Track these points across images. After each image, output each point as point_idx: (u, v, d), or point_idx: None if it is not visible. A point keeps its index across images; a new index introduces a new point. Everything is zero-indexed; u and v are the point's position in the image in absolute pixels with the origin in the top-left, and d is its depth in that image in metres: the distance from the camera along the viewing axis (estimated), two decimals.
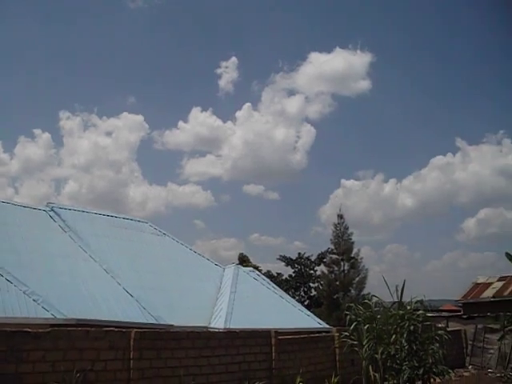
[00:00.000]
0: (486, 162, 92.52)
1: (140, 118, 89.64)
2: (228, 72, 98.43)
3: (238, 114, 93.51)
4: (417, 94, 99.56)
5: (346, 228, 43.53)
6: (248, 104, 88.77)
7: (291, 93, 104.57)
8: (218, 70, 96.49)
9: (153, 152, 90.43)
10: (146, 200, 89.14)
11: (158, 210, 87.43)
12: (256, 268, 36.49)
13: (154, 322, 15.99)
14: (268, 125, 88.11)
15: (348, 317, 14.64)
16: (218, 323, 18.27)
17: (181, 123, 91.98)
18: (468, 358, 23.37)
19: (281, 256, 55.52)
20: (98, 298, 16.06)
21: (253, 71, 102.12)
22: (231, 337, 14.45)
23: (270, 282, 25.77)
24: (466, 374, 20.44)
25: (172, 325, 15.87)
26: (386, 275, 14.99)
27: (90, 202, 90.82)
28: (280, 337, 15.10)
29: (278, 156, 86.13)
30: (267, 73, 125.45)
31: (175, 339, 12.97)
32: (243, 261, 47.10)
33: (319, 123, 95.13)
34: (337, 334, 16.49)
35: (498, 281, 34.29)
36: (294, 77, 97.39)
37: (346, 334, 14.80)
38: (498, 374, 18.94)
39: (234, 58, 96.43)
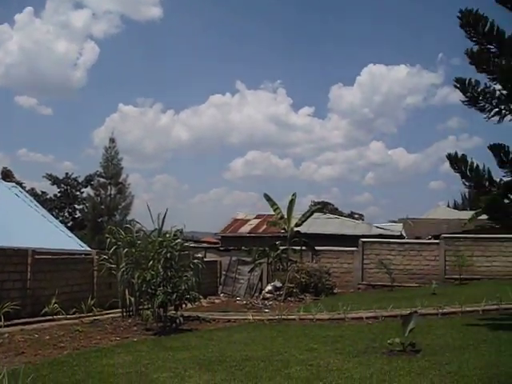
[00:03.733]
0: (261, 108, 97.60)
1: None
2: None
3: (18, 17, 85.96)
4: (205, 31, 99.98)
5: (117, 153, 43.33)
6: (30, 8, 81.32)
7: (78, 6, 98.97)
8: None
9: None
10: None
11: None
12: (20, 184, 34.47)
13: None
14: (49, 35, 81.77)
15: (108, 240, 14.56)
16: None
17: None
18: (221, 287, 24.84)
19: (47, 174, 53.19)
20: None
21: None
22: None
23: (33, 200, 24.61)
24: (216, 300, 21.76)
25: None
26: (154, 204, 15.16)
27: None
28: (37, 256, 14.60)
29: (56, 70, 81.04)
30: None
31: None
32: (7, 176, 44.18)
33: (104, 43, 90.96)
34: (96, 257, 16.39)
35: (255, 218, 36.85)
36: None
37: (105, 257, 14.76)
38: (245, 302, 20.46)
39: None
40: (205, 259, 23.21)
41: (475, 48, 11.17)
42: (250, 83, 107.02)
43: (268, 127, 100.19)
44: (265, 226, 33.54)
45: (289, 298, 20.66)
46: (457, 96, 11.60)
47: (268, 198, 24.38)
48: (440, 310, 13.07)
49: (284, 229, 23.73)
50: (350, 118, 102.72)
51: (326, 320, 13.30)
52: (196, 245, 30.12)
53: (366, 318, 13.12)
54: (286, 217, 23.63)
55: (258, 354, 9.02)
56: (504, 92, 10.89)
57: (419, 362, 7.92)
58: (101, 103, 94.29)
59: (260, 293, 22.78)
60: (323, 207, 42.07)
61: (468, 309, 13.14)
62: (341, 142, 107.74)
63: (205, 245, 34.31)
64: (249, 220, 36.97)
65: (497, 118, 11.33)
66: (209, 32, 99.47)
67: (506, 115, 11.21)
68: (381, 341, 9.62)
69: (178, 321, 12.74)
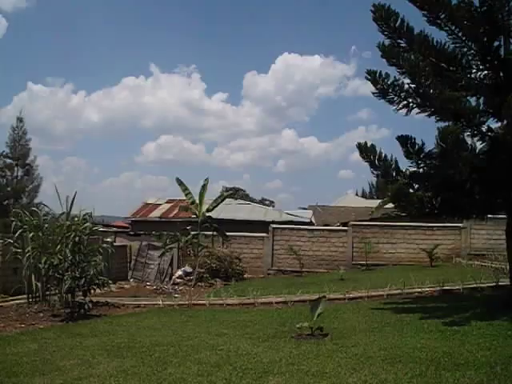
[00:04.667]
0: (175, 92, 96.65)
1: None
2: None
3: None
4: (119, 12, 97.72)
5: (25, 133, 41.60)
6: None
7: None
8: None
9: None
10: None
11: None
12: None
13: None
14: None
15: (14, 223, 14.00)
16: None
17: None
18: (131, 272, 24.50)
19: None
20: None
21: None
22: None
23: None
24: (126, 286, 21.45)
25: None
26: (63, 187, 14.73)
27: None
28: None
29: None
30: None
31: None
32: None
33: (13, 16, 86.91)
34: (1, 241, 15.71)
35: (166, 203, 36.46)
36: None
37: (10, 241, 14.19)
38: (155, 287, 20.30)
39: None
40: (114, 244, 22.80)
41: (387, 42, 11.52)
42: (164, 67, 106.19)
43: (181, 112, 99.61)
44: (176, 211, 33.24)
45: (199, 283, 20.65)
46: (367, 88, 11.96)
47: (180, 183, 24.15)
48: (347, 295, 13.47)
49: (195, 214, 23.58)
50: (263, 105, 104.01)
51: (236, 305, 13.42)
52: (106, 229, 29.46)
53: (276, 302, 13.34)
54: (197, 202, 23.51)
55: (167, 340, 8.99)
56: (412, 86, 11.28)
57: (327, 345, 8.14)
58: (8, 80, 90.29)
59: (170, 278, 22.64)
60: (235, 193, 42.30)
61: (373, 293, 13.63)
62: (253, 128, 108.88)
63: (115, 229, 33.61)
64: (160, 204, 36.52)
65: (405, 110, 11.74)
66: (123, 13, 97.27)
67: (413, 108, 11.63)
68: (290, 325, 9.84)
69: (86, 306, 12.45)
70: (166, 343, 8.67)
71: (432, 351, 7.25)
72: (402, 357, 7.03)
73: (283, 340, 8.71)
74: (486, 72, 11.31)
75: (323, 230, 27.43)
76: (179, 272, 22.18)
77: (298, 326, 9.16)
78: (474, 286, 13.65)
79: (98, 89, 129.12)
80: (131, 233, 29.23)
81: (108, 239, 21.98)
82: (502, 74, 11.05)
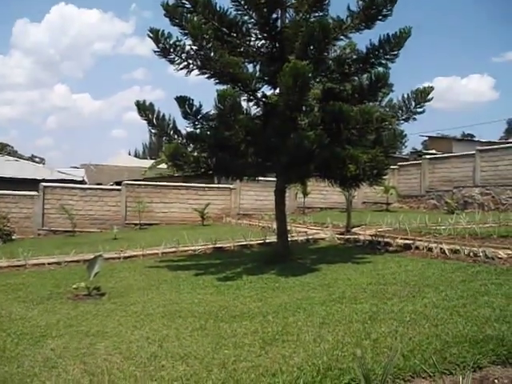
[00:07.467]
0: None
1: None
2: None
3: None
4: None
5: None
6: None
7: None
8: None
9: None
10: None
11: None
12: None
13: None
14: None
15: None
16: None
17: None
18: None
19: None
20: None
21: None
22: None
23: None
24: None
25: None
26: None
27: None
28: None
29: None
30: None
31: None
32: None
33: None
34: None
35: None
36: None
37: None
38: None
39: None
40: None
41: (171, 1, 11.44)
42: None
43: None
44: None
45: None
46: (145, 47, 11.88)
47: None
48: (122, 254, 13.43)
49: None
50: (34, 57, 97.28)
51: (4, 268, 12.60)
52: None
53: (49, 263, 12.81)
54: None
55: None
56: (194, 47, 11.41)
57: (105, 304, 8.08)
58: None
59: None
60: (1, 149, 39.34)
61: (149, 252, 13.78)
62: (23, 81, 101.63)
63: None
64: None
65: (185, 71, 11.87)
66: None
67: (193, 69, 11.79)
68: (65, 286, 9.56)
69: None
70: None
71: (209, 305, 7.57)
72: (181, 312, 7.24)
73: (59, 302, 8.43)
74: (263, 41, 11.90)
75: (96, 189, 26.85)
76: None
77: (74, 286, 8.95)
78: (244, 243, 14.52)
79: None
80: None
81: None
82: (277, 45, 11.71)
